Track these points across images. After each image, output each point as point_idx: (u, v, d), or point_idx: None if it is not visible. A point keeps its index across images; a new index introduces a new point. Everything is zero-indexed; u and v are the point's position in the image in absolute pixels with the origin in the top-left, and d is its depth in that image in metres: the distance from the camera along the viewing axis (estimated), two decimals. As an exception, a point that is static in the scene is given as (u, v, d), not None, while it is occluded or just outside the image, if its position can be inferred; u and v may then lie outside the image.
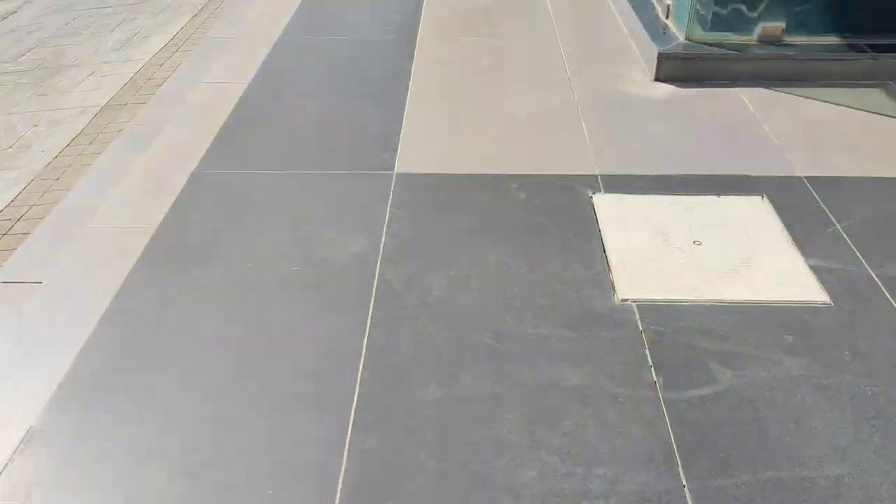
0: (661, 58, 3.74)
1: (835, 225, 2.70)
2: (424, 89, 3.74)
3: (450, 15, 4.70)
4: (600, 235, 2.65)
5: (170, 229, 2.75)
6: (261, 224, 2.76)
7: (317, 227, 2.73)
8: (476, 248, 2.60)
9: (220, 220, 2.80)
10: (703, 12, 3.90)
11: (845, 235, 2.65)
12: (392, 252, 2.59)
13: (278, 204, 2.87)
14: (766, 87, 3.71)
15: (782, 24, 3.81)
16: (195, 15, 6.25)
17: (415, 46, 4.20)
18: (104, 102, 4.69)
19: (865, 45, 3.77)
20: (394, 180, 2.99)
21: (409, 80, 3.83)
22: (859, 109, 3.48)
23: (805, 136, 3.26)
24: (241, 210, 2.84)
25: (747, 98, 3.60)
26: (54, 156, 3.82)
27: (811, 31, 3.86)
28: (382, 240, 2.65)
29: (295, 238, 2.68)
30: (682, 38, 3.85)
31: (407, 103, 3.59)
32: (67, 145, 3.97)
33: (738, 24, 3.91)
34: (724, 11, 3.92)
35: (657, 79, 3.78)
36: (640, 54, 4.05)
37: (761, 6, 3.93)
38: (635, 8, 4.32)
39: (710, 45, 3.80)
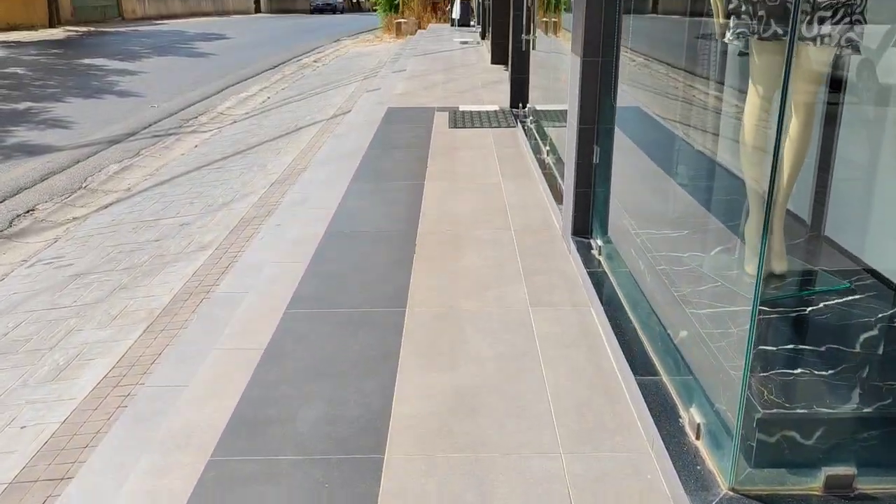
0: (704, 526, 2.84)
1: None
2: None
3: (427, 411, 3.72)
4: None
5: None
6: None
7: None
8: None
9: None
10: (748, 441, 3.07)
11: None
12: None
13: None
14: (847, 566, 2.79)
15: (853, 470, 2.96)
16: (148, 327, 5.55)
17: (381, 474, 3.28)
18: (11, 478, 3.78)
19: (965, 496, 2.90)
20: None
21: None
22: None
23: None
24: None
25: None
26: None
27: (891, 474, 3.00)
28: None
29: None
30: (724, 488, 2.98)
31: None
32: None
33: (797, 462, 3.06)
34: (773, 440, 3.10)
35: (701, 554, 2.86)
36: (673, 500, 3.15)
37: (819, 433, 3.10)
38: (653, 413, 3.49)
39: (764, 499, 2.92)
